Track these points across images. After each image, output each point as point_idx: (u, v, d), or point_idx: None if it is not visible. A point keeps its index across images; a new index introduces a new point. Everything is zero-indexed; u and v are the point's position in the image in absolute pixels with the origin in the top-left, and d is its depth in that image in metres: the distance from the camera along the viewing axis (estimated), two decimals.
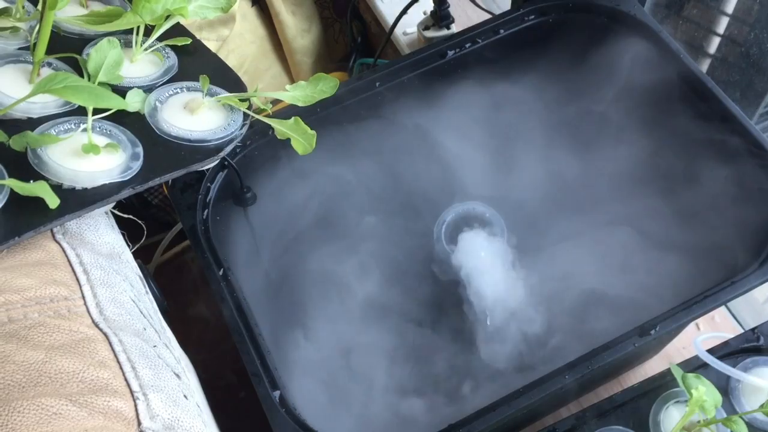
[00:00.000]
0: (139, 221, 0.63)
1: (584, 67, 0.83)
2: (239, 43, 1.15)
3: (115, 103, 0.51)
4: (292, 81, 1.25)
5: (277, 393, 0.64)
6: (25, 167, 0.54)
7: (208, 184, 0.75)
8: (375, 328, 0.71)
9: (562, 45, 0.84)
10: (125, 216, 0.61)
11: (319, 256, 0.77)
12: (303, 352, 0.70)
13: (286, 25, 1.17)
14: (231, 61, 1.14)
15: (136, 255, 0.63)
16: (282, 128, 0.64)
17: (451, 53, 0.83)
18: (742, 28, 1.09)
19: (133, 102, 0.60)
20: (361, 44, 1.23)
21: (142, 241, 0.64)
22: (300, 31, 1.19)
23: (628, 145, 0.78)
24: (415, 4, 1.06)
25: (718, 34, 1.24)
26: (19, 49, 0.62)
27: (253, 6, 1.17)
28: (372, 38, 1.23)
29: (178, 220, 1.04)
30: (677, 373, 0.68)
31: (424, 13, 1.09)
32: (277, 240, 0.77)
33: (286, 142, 0.65)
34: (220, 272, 0.70)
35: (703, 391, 0.66)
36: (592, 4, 0.85)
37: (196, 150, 0.59)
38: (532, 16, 0.85)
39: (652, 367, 0.87)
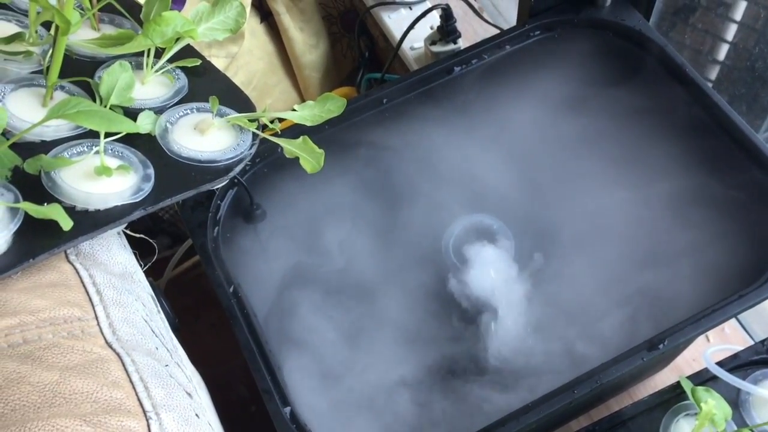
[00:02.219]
0: (151, 240, 0.64)
1: (590, 82, 0.83)
2: (248, 60, 1.16)
3: (126, 126, 0.52)
4: (301, 96, 1.26)
5: (287, 409, 0.64)
6: (38, 190, 0.55)
7: (218, 202, 0.76)
8: (383, 344, 0.72)
9: (568, 60, 0.85)
10: (137, 235, 0.62)
11: (327, 272, 0.78)
12: (313, 368, 0.71)
13: (294, 41, 1.19)
14: (240, 78, 1.15)
15: (148, 272, 0.64)
16: (290, 147, 0.65)
17: (457, 69, 0.84)
18: (748, 42, 1.09)
19: (144, 124, 0.61)
20: (369, 59, 1.24)
21: (153, 259, 0.64)
22: (308, 46, 1.20)
23: (635, 160, 0.78)
24: (422, 20, 1.07)
25: (726, 41, 1.25)
26: (32, 72, 0.63)
27: (261, 23, 1.19)
28: (379, 53, 1.24)
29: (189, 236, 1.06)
30: (687, 387, 0.69)
31: (431, 28, 1.10)
32: (287, 256, 0.78)
33: (295, 160, 0.66)
34: (231, 289, 0.70)
35: (713, 404, 0.66)
36: (597, 20, 0.85)
37: (207, 170, 0.60)
38: (538, 32, 0.86)
39: (662, 379, 0.87)
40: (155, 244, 0.65)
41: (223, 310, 0.79)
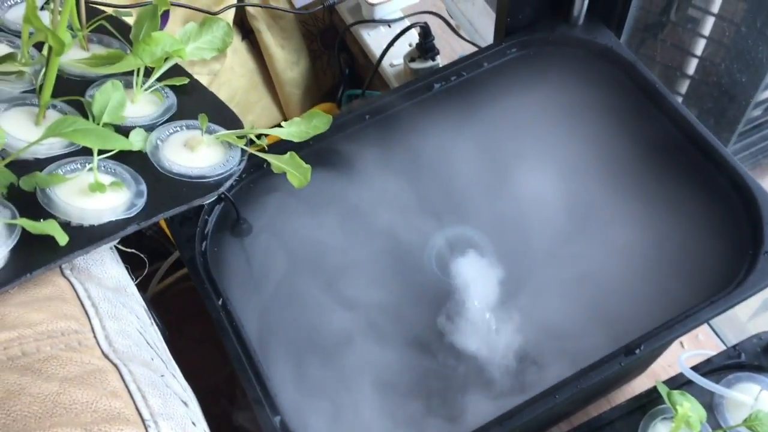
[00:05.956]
0: (141, 255, 0.65)
1: (564, 98, 0.86)
2: (230, 77, 1.18)
3: (120, 144, 0.53)
4: (282, 112, 1.28)
5: (277, 418, 0.65)
6: (33, 206, 0.56)
7: (206, 217, 0.77)
8: (371, 353, 0.73)
9: (544, 77, 0.88)
10: (128, 250, 0.64)
11: (313, 284, 0.79)
12: (301, 378, 0.72)
13: (275, 59, 1.21)
14: (222, 94, 1.17)
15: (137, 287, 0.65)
16: (278, 163, 0.67)
17: (437, 86, 0.86)
18: (716, 57, 1.13)
19: (135, 141, 0.62)
20: (349, 76, 1.26)
21: (144, 272, 0.66)
22: (289, 63, 1.23)
23: (610, 172, 0.81)
24: (401, 37, 1.09)
25: (695, 56, 1.28)
26: (24, 92, 0.64)
27: (243, 40, 1.21)
28: (359, 70, 1.26)
29: (172, 251, 1.07)
30: (663, 391, 0.71)
31: (410, 45, 1.13)
32: (273, 269, 0.79)
33: (280, 175, 0.68)
34: (219, 302, 0.72)
35: (689, 407, 0.68)
36: (571, 38, 0.88)
37: (197, 186, 0.62)
38: (514, 50, 0.89)
39: (639, 385, 0.90)
40: (146, 259, 0.66)
41: (205, 324, 0.80)
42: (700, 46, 1.42)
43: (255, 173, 0.80)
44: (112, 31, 0.68)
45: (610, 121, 0.84)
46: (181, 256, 0.74)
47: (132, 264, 0.66)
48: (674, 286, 0.73)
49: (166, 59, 0.67)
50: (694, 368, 0.75)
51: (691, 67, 1.50)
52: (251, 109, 1.24)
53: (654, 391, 0.74)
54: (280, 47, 1.21)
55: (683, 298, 0.71)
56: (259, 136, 0.67)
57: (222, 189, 0.62)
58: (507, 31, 0.88)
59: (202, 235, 0.76)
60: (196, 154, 0.64)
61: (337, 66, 1.28)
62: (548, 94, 0.87)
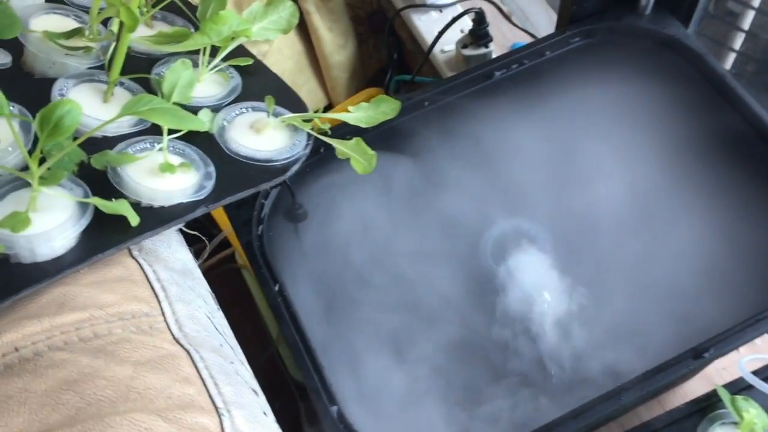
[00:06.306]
0: (204, 238, 0.64)
1: (629, 90, 0.84)
2: (278, 59, 1.17)
3: (195, 124, 0.52)
4: (328, 96, 1.27)
5: (335, 408, 0.65)
6: (102, 185, 0.55)
7: (263, 201, 0.76)
8: (428, 344, 0.72)
9: (608, 67, 0.85)
10: (191, 232, 0.63)
11: (367, 272, 0.78)
12: (356, 367, 0.71)
13: (323, 41, 1.19)
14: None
15: None
16: (343, 148, 0.65)
17: (498, 74, 0.85)
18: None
19: (204, 122, 0.61)
20: (396, 60, 1.24)
21: (205, 256, 0.65)
22: (336, 47, 1.21)
23: (677, 167, 0.79)
24: (453, 23, 1.07)
25: (733, 50, 1.25)
26: (90, 68, 0.63)
27: None
28: (407, 55, 1.24)
29: (215, 233, 1.06)
30: (725, 397, 0.69)
31: (461, 32, 1.11)
32: (328, 255, 0.78)
33: (336, 159, 0.66)
34: (276, 287, 0.71)
35: (755, 413, 0.67)
36: (637, 27, 0.86)
37: (265, 169, 0.61)
38: (577, 39, 0.86)
39: (691, 388, 0.88)
40: (207, 242, 0.65)
41: (245, 306, 0.79)
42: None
43: (312, 158, 0.79)
44: (184, 8, 0.66)
45: (677, 115, 0.81)
46: (239, 240, 0.73)
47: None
48: (743, 287, 0.71)
49: (232, 39, 0.66)
50: (754, 372, 0.73)
51: (728, 60, 1.47)
52: (298, 92, 1.22)
53: (712, 394, 0.72)
54: (328, 30, 1.19)
55: (753, 300, 0.69)
56: (324, 123, 0.66)
57: (289, 173, 0.61)
58: (571, 20, 0.86)
59: (259, 219, 0.75)
60: (263, 136, 0.63)
61: (382, 50, 1.26)
62: (612, 85, 0.84)
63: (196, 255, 1.01)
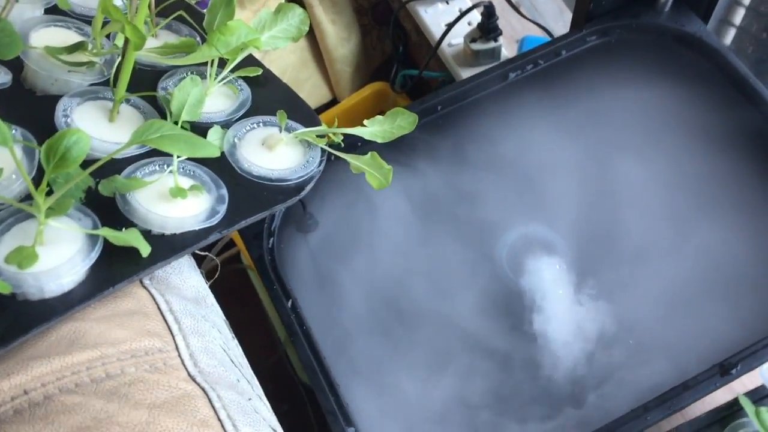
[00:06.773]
0: (215, 257, 0.62)
1: (648, 89, 0.81)
2: (281, 53, 1.14)
3: (209, 151, 0.49)
4: (332, 90, 1.24)
5: (351, 429, 0.63)
6: (110, 212, 0.53)
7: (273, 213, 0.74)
8: (447, 358, 0.70)
9: (626, 66, 0.83)
10: (203, 254, 0.60)
11: (380, 283, 0.76)
12: (371, 385, 0.69)
13: (326, 35, 1.16)
14: (273, 72, 1.12)
15: None
16: (358, 163, 0.63)
17: (512, 75, 0.82)
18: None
19: (214, 141, 0.58)
20: (402, 54, 1.21)
21: (216, 276, 0.63)
22: (340, 40, 1.18)
23: (697, 172, 0.77)
24: (463, 17, 1.04)
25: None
26: (93, 84, 0.60)
27: None
28: (412, 47, 1.21)
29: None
30: (749, 407, 0.68)
31: (469, 24, 1.07)
32: (340, 267, 0.76)
33: (345, 167, 0.63)
34: (289, 304, 0.69)
35: None
36: (656, 25, 0.83)
37: (279, 190, 0.58)
38: (594, 37, 0.84)
39: (712, 396, 0.86)
40: (219, 262, 0.63)
41: (251, 308, 0.76)
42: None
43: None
44: (191, 22, 0.63)
45: (699, 115, 0.79)
46: (249, 254, 0.71)
47: None
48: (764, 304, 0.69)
49: (240, 50, 0.63)
50: None
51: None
52: (301, 87, 1.19)
53: (734, 403, 0.71)
54: (331, 22, 1.16)
55: None
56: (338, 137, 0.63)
57: (303, 193, 0.59)
58: (587, 18, 0.83)
59: (269, 231, 0.73)
60: (275, 153, 0.60)
61: (386, 42, 1.23)
62: (630, 85, 0.82)
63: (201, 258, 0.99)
